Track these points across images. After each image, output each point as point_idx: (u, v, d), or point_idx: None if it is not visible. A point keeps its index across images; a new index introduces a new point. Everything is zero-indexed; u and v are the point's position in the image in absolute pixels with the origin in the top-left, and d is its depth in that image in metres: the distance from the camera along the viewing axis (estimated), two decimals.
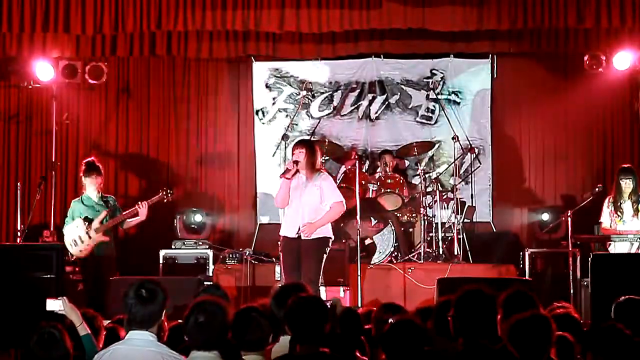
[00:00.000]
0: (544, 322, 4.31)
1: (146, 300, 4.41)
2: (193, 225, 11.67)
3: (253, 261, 10.50)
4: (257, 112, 12.49)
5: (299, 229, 8.26)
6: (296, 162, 8.20)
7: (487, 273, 9.90)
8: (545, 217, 11.54)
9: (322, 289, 8.74)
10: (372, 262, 10.39)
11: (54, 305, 4.88)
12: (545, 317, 4.36)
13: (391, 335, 4.44)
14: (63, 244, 9.11)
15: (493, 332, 4.42)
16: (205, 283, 8.51)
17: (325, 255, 8.34)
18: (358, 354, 4.74)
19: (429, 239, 10.84)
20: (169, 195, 9.65)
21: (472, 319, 4.41)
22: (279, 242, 8.51)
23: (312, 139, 11.49)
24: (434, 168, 11.92)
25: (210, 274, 10.53)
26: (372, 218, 10.63)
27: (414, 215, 11.15)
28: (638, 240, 9.41)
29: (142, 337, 4.40)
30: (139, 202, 9.38)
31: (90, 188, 9.41)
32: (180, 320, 5.44)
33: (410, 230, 11.22)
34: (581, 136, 12.17)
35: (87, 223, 9.25)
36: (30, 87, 11.42)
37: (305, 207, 8.29)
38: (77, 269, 9.67)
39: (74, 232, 9.27)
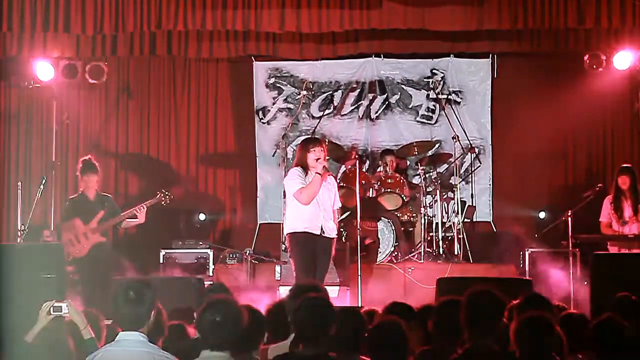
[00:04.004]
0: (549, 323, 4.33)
1: (134, 301, 4.41)
2: (193, 225, 11.67)
3: (253, 261, 10.49)
4: (257, 111, 12.49)
5: (322, 227, 8.29)
6: (319, 160, 8.26)
7: (487, 273, 9.89)
8: (546, 216, 11.53)
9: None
10: (375, 262, 10.40)
11: (58, 308, 4.86)
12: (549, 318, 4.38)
13: (374, 336, 4.45)
14: (63, 243, 9.09)
15: (497, 334, 4.46)
16: (206, 283, 8.51)
17: None
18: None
19: (429, 238, 10.84)
20: (167, 197, 9.62)
21: (481, 318, 4.43)
22: (292, 239, 8.33)
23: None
24: (435, 168, 11.91)
25: (211, 274, 10.52)
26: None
27: (414, 215, 11.15)
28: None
29: (132, 337, 4.39)
30: (138, 207, 9.36)
31: (87, 187, 9.39)
32: (179, 321, 5.48)
33: (411, 229, 11.22)
34: (581, 136, 12.18)
35: (84, 222, 9.24)
36: (30, 87, 11.41)
37: (326, 206, 8.37)
38: (75, 269, 9.65)
39: (71, 231, 9.26)
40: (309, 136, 11.19)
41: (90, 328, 4.89)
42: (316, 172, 8.20)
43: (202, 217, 11.78)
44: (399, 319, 4.52)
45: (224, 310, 4.31)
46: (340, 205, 8.62)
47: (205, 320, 4.29)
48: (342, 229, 10.27)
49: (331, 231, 8.36)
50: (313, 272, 8.18)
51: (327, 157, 8.56)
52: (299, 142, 9.04)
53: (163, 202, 9.66)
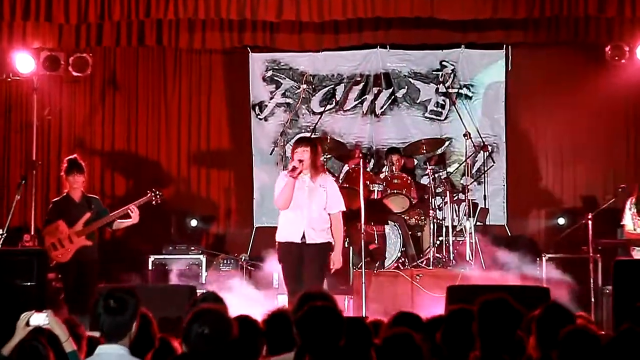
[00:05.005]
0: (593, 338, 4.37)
1: (115, 311, 4.37)
2: (185, 229, 11.67)
3: (249, 267, 10.49)
4: (253, 107, 12.48)
5: (304, 233, 8.28)
6: (301, 161, 8.21)
7: (501, 280, 9.86)
8: (564, 220, 11.52)
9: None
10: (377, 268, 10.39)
11: (38, 319, 4.84)
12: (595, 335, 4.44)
13: (386, 350, 4.44)
14: (44, 248, 9.08)
15: (513, 346, 4.46)
16: (198, 291, 8.50)
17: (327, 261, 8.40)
18: None
19: (438, 243, 10.83)
20: (158, 196, 9.64)
21: (494, 329, 4.45)
22: (277, 249, 8.50)
23: (313, 136, 11.49)
24: (444, 167, 11.89)
25: (204, 281, 10.51)
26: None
27: (422, 218, 11.14)
28: None
29: (112, 351, 4.36)
30: (130, 206, 9.35)
31: (72, 187, 9.39)
32: (170, 332, 5.46)
33: (419, 234, 11.20)
34: (602, 132, 12.15)
35: (68, 225, 9.23)
36: (9, 79, 11.39)
37: (312, 210, 8.30)
38: (59, 276, 9.65)
39: (54, 234, 9.25)
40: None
41: (72, 340, 4.86)
42: (287, 174, 8.23)
43: (193, 223, 11.75)
44: (411, 332, 4.51)
45: (212, 321, 4.28)
46: (340, 209, 8.49)
47: (192, 332, 4.26)
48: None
49: (316, 237, 8.29)
50: (300, 282, 8.18)
51: (328, 156, 8.55)
52: None
53: (154, 201, 9.66)
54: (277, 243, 8.49)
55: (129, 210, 9.29)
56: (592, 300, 9.46)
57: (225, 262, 10.77)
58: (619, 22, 10.90)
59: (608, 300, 9.17)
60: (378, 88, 12.41)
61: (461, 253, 10.84)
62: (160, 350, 5.09)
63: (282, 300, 9.16)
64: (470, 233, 10.80)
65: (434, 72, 12.37)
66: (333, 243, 8.41)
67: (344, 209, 8.56)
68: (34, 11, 10.44)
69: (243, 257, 10.61)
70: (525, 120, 12.33)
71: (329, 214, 8.38)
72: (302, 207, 8.28)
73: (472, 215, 11.06)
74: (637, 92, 11.88)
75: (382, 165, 11.89)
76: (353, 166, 11.10)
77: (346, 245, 10.35)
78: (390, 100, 12.42)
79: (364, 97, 12.43)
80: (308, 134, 11.79)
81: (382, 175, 11.26)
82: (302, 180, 8.32)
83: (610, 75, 11.59)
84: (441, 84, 12.24)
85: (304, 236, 8.27)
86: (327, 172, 8.87)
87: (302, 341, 4.49)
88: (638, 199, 9.90)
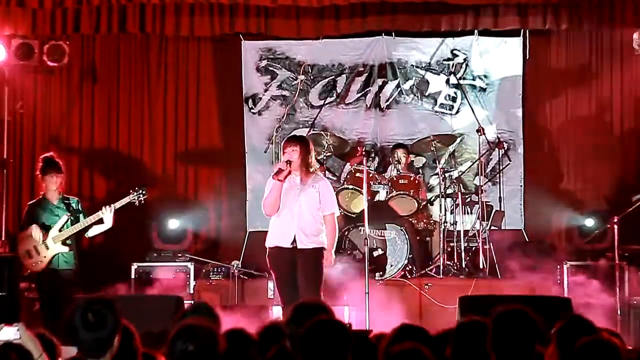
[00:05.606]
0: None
1: (93, 326, 4.36)
2: (171, 234, 11.66)
3: (241, 276, 10.49)
4: (246, 100, 12.48)
5: (294, 237, 8.28)
6: (289, 162, 8.24)
7: (517, 290, 9.89)
8: (588, 223, 11.51)
9: None
10: (382, 276, 10.39)
11: (8, 333, 4.83)
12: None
13: None
14: (17, 255, 9.07)
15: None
16: (186, 302, 8.51)
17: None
18: None
19: (449, 249, 10.84)
20: (142, 196, 9.59)
21: (510, 343, 4.46)
22: (267, 255, 8.54)
23: (310, 132, 11.48)
24: (456, 166, 11.89)
25: (192, 291, 10.51)
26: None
27: (431, 221, 11.14)
28: None
29: None
30: (104, 207, 9.31)
31: (49, 189, 9.39)
32: (154, 348, 5.46)
33: (427, 239, 11.21)
34: (629, 128, 12.14)
35: (44, 230, 9.23)
36: None
37: (303, 212, 8.31)
38: (32, 285, 9.65)
39: (28, 241, 9.25)
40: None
41: (46, 356, 4.85)
42: (272, 177, 8.24)
43: (180, 227, 11.69)
44: (421, 346, 4.50)
45: (198, 337, 4.27)
46: (332, 211, 8.50)
47: (176, 349, 4.26)
48: (346, 238, 10.29)
49: (307, 241, 8.32)
50: (295, 290, 8.23)
51: (328, 154, 8.54)
52: None
53: (137, 202, 9.61)
54: (267, 249, 8.55)
55: (102, 213, 9.22)
56: (619, 312, 9.44)
57: (215, 270, 10.77)
58: None
59: (636, 313, 9.17)
60: (383, 79, 12.40)
61: (474, 260, 10.86)
62: None
63: (277, 312, 9.17)
64: (484, 238, 10.82)
65: (444, 62, 12.36)
66: (325, 249, 8.44)
67: (338, 213, 8.61)
68: None
69: (235, 265, 10.59)
70: (545, 115, 12.32)
71: (323, 217, 8.43)
72: (293, 209, 8.33)
73: (486, 218, 11.07)
74: None
75: (387, 163, 11.88)
76: (355, 165, 11.11)
77: (348, 252, 10.40)
78: (396, 93, 12.42)
79: (368, 89, 12.42)
80: (306, 130, 11.79)
81: (387, 175, 11.27)
82: (292, 182, 8.36)
83: (638, 65, 11.60)
84: (452, 75, 12.22)
85: (294, 240, 8.31)
86: (324, 172, 8.87)
87: (304, 358, 4.49)
88: None
